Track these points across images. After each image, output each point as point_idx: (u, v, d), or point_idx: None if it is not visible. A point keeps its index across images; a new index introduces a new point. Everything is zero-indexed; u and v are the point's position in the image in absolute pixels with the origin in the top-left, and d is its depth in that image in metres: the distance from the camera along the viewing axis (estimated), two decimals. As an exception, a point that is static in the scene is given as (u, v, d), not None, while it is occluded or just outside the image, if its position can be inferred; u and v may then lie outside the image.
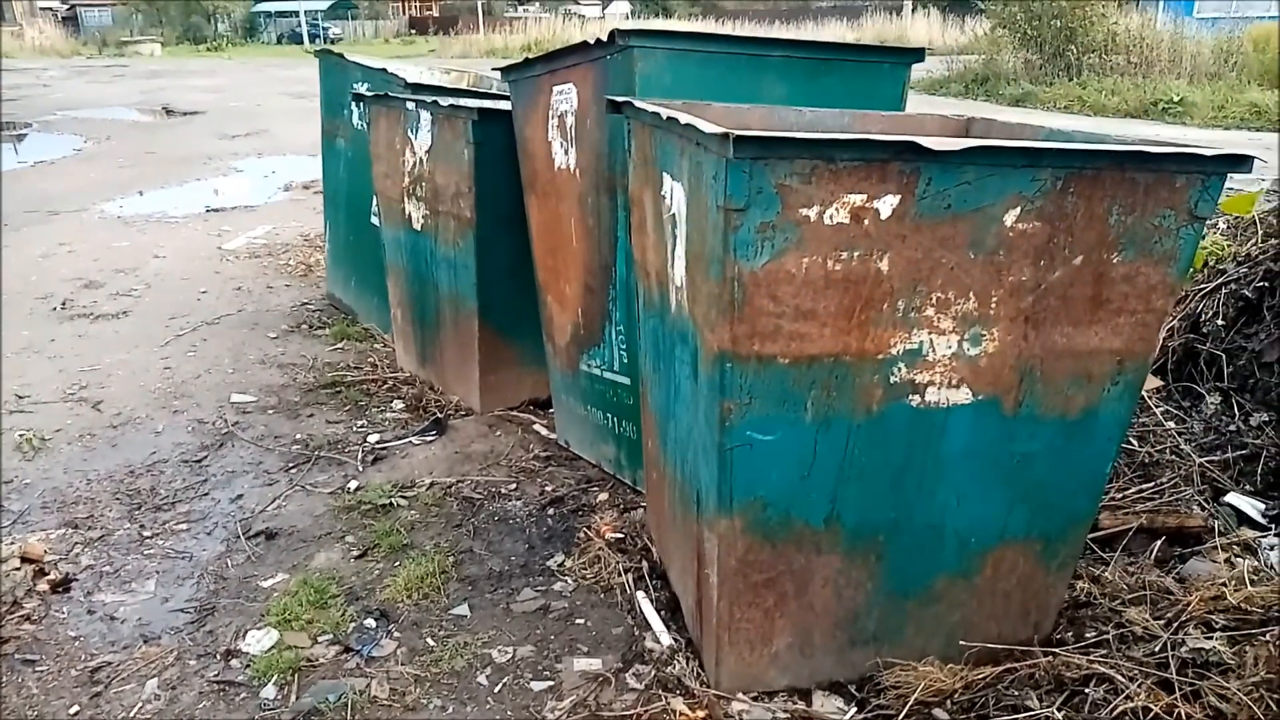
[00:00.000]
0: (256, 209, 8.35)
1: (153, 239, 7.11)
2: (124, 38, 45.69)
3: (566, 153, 3.22)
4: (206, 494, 3.34)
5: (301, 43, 48.25)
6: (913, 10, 32.07)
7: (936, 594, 2.25)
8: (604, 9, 70.51)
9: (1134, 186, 1.93)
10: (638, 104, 2.42)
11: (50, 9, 57.98)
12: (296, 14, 52.73)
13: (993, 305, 1.99)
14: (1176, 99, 14.95)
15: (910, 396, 2.04)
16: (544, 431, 3.82)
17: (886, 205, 1.86)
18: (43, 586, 2.77)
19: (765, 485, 2.05)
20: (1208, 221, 2.28)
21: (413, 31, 61.07)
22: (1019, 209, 1.91)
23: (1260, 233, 4.28)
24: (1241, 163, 1.95)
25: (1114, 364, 2.09)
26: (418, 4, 73.11)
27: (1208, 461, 3.38)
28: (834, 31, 33.36)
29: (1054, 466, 2.17)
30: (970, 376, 2.05)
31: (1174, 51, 17.08)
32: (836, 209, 1.84)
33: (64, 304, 5.48)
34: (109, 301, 5.54)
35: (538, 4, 69.43)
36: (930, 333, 1.99)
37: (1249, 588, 2.39)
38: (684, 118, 1.98)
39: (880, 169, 1.83)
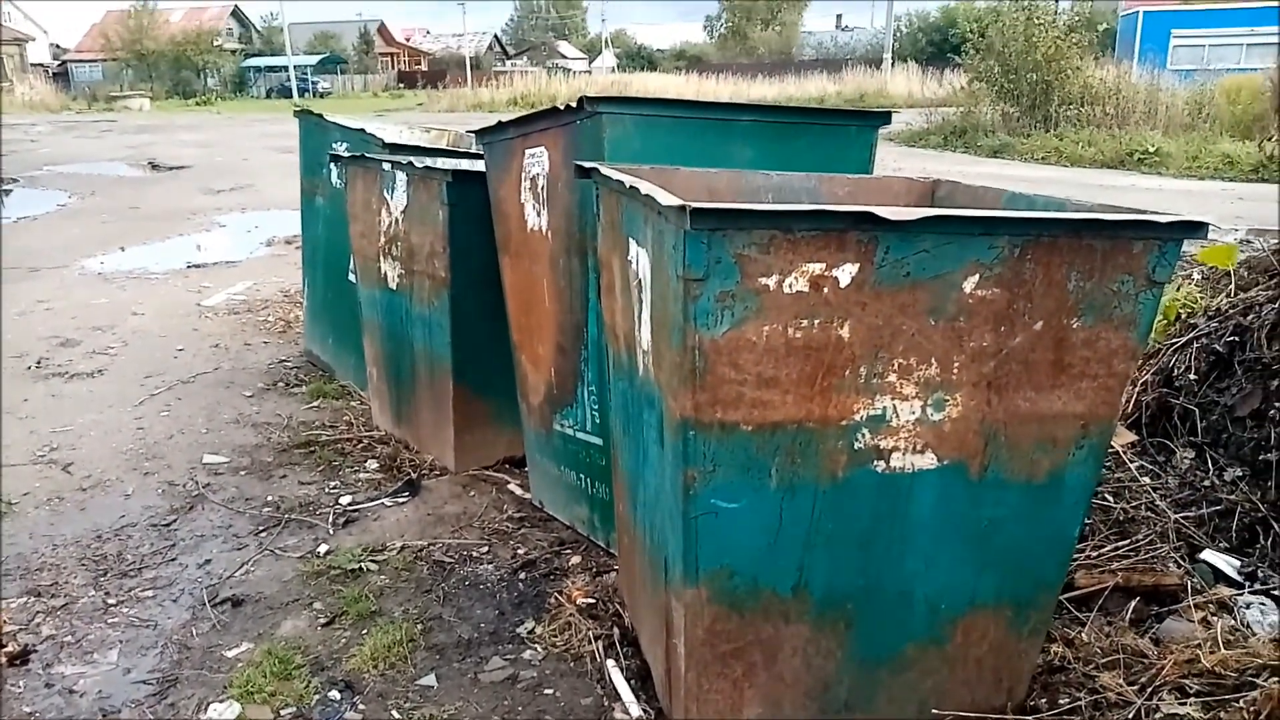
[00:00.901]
0: (238, 264, 8.36)
1: (132, 296, 7.10)
2: (114, 92, 46.14)
3: (539, 214, 3.24)
4: (174, 559, 3.29)
5: (291, 97, 48.75)
6: (892, 64, 32.66)
7: (908, 662, 2.22)
8: (590, 63, 71.68)
9: (1091, 253, 1.94)
10: (604, 170, 2.44)
11: (42, 65, 58.55)
12: (286, 69, 53.36)
13: (955, 370, 1.99)
14: (1152, 150, 15.22)
15: (875, 462, 2.03)
16: (518, 491, 3.79)
17: (845, 274, 1.87)
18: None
19: (731, 553, 2.03)
20: (1182, 273, 2.30)
21: (401, 85, 61.85)
22: (978, 276, 1.92)
23: (1233, 285, 4.32)
24: (1197, 229, 1.96)
25: (1078, 428, 2.08)
26: (406, 58, 74.13)
27: (1183, 518, 3.37)
28: (817, 85, 33.96)
29: (1022, 531, 2.16)
30: (935, 441, 2.04)
31: (1149, 103, 17.42)
32: (796, 278, 1.85)
33: (39, 363, 5.45)
34: (85, 360, 5.51)
35: (525, 58, 70.52)
36: (893, 398, 1.99)
37: (1223, 650, 2.36)
38: (644, 187, 1.99)
39: (838, 238, 1.84)
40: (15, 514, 3.60)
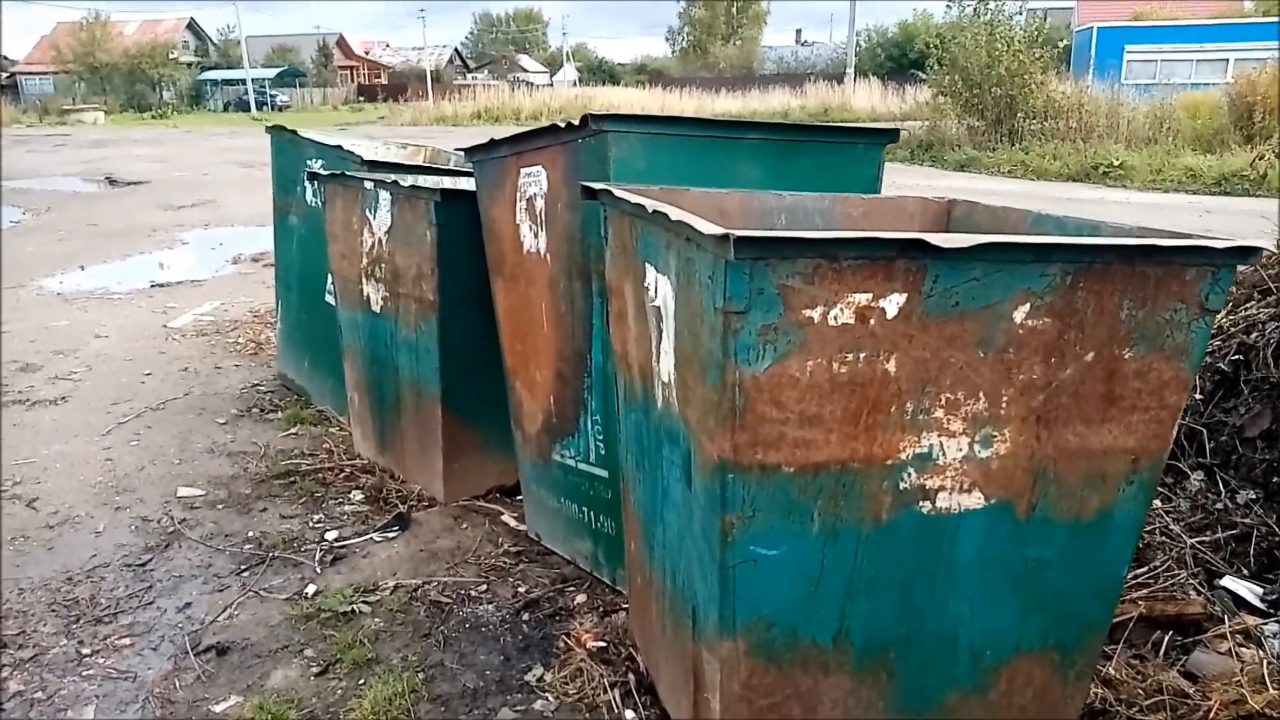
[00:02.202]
0: (204, 283, 8.11)
1: (94, 317, 6.84)
2: (66, 105, 45.21)
3: (536, 236, 3.10)
4: (151, 603, 3.09)
5: (249, 110, 48.15)
6: (854, 79, 32.93)
7: (950, 711, 2.10)
8: (552, 77, 71.64)
9: (1144, 280, 1.85)
10: (617, 192, 2.31)
11: (-11, 77, 57.29)
12: (243, 82, 52.68)
13: (1003, 405, 1.89)
14: (1116, 163, 15.41)
15: (920, 503, 1.92)
16: (512, 523, 3.63)
17: (893, 304, 1.75)
18: (-35, 720, 2.51)
19: (770, 603, 1.90)
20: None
21: (361, 99, 61.37)
22: (1028, 305, 1.82)
23: (1230, 303, 4.28)
24: (1252, 254, 1.88)
25: (1128, 463, 1.99)
26: (366, 71, 73.59)
27: (1199, 542, 3.30)
28: (779, 99, 34.12)
29: (1069, 572, 2.06)
30: (982, 480, 1.93)
31: (1111, 117, 17.66)
32: (841, 309, 1.73)
33: (-3, 390, 5.20)
34: (46, 386, 5.26)
35: (486, 72, 70.32)
36: (940, 435, 1.87)
37: (1270, 690, 2.28)
38: (674, 213, 1.87)
39: (886, 267, 1.73)
40: (-24, 556, 3.38)
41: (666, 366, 2.14)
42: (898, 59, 47.77)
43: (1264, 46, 24.34)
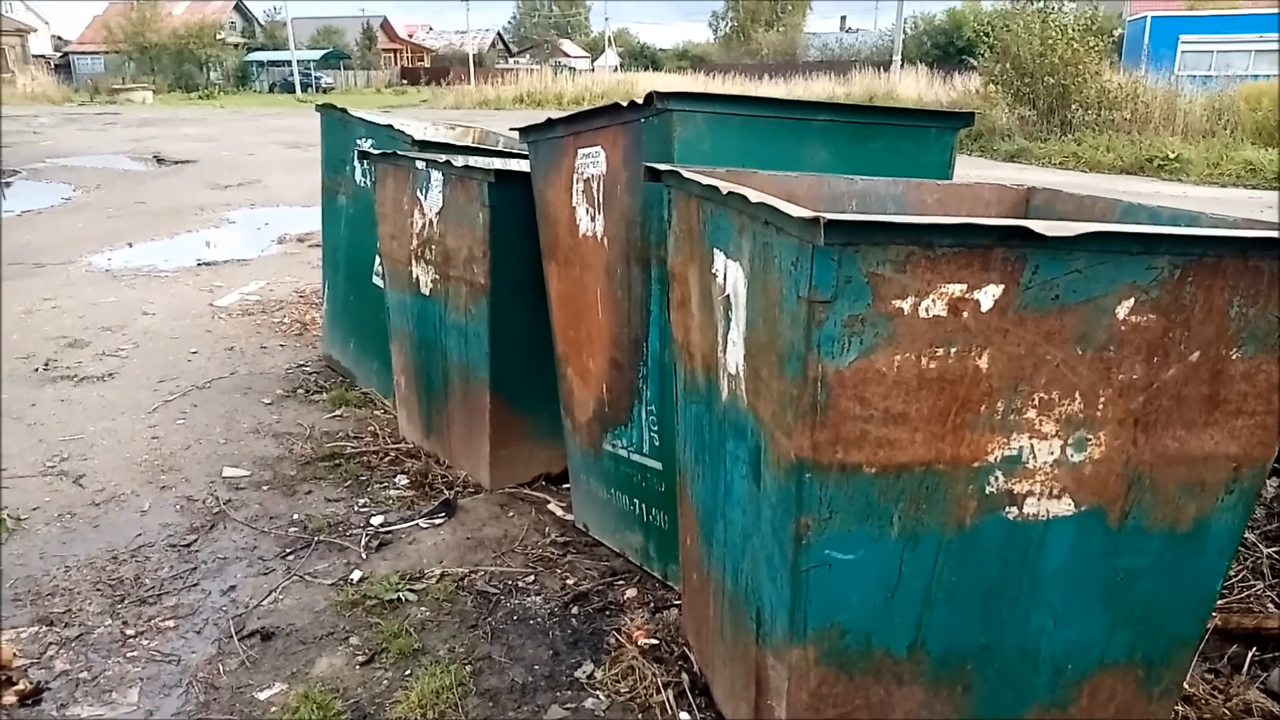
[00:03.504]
0: (249, 263, 8.11)
1: (142, 294, 6.86)
2: (116, 85, 45.82)
3: (593, 219, 3.01)
4: (196, 584, 3.05)
5: (294, 91, 48.49)
6: (901, 66, 32.40)
7: (1029, 727, 1.99)
8: (593, 62, 71.41)
9: (1258, 275, 1.71)
10: (685, 174, 2.21)
11: (43, 56, 58.22)
12: (289, 63, 53.05)
13: (1100, 406, 1.76)
14: (1172, 155, 15.00)
15: (1007, 508, 1.80)
16: (559, 512, 3.56)
17: (988, 296, 1.64)
18: (9, 699, 2.48)
19: (844, 610, 1.80)
20: None
21: (404, 81, 61.59)
22: (1133, 300, 1.69)
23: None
24: (1376, 250, 1.73)
25: (1229, 471, 1.86)
26: (409, 54, 73.85)
27: (1276, 552, 3.15)
28: (823, 86, 33.68)
29: (1160, 584, 1.93)
30: (1073, 485, 1.82)
31: (1167, 109, 17.20)
32: (933, 300, 1.62)
33: (46, 365, 5.21)
34: (94, 363, 5.27)
35: (528, 55, 70.26)
36: (1031, 437, 1.76)
37: (1370, 716, 2.14)
38: (753, 195, 1.76)
39: (983, 256, 1.61)
40: (25, 531, 3.37)
41: (734, 357, 2.04)
42: (944, 47, 47.02)
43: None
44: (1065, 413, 1.76)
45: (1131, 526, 1.87)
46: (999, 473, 1.77)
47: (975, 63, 20.04)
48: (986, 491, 1.78)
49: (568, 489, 3.57)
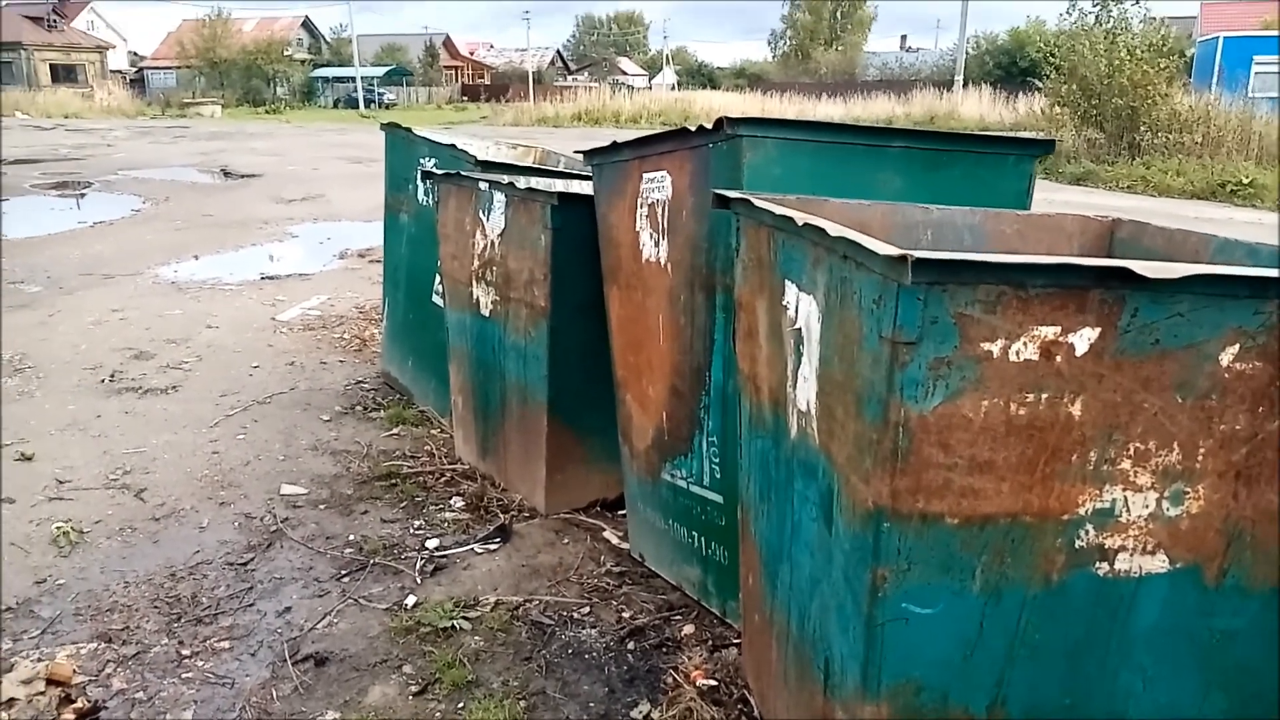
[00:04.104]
0: (311, 277, 8.22)
1: (206, 307, 6.97)
2: (186, 99, 47.19)
3: (657, 244, 2.95)
4: (252, 604, 3.05)
5: (357, 107, 49.45)
6: (963, 86, 32.03)
7: (1115, 796, 1.88)
8: (651, 80, 71.81)
9: (1376, 321, 1.60)
10: (757, 202, 2.14)
11: (120, 71, 60.19)
12: (353, 79, 54.15)
13: (1199, 457, 1.66)
14: (1245, 181, 14.55)
15: (1097, 564, 1.70)
16: (615, 540, 3.50)
17: (1084, 339, 1.55)
18: (69, 717, 2.48)
19: (920, 665, 1.71)
20: None
21: (465, 98, 62.53)
22: (1238, 346, 1.59)
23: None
24: None
25: (1339, 528, 1.74)
26: (470, 71, 74.96)
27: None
28: (883, 106, 33.44)
29: (1259, 646, 1.81)
30: (1168, 541, 1.71)
31: (1240, 132, 16.71)
32: (1025, 343, 1.53)
33: (113, 376, 5.30)
34: (158, 375, 5.35)
35: (587, 73, 70.87)
36: (1125, 489, 1.66)
37: None
38: (833, 228, 1.69)
39: (1079, 297, 1.52)
40: (87, 544, 3.40)
41: (805, 394, 1.97)
42: (1007, 67, 46.40)
43: None
44: (1162, 464, 1.65)
45: (1230, 585, 1.76)
46: (1090, 526, 1.67)
47: (1040, 84, 19.67)
48: (1076, 545, 1.68)
49: (623, 515, 3.51)
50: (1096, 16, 18.41)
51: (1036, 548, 1.67)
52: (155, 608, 3.01)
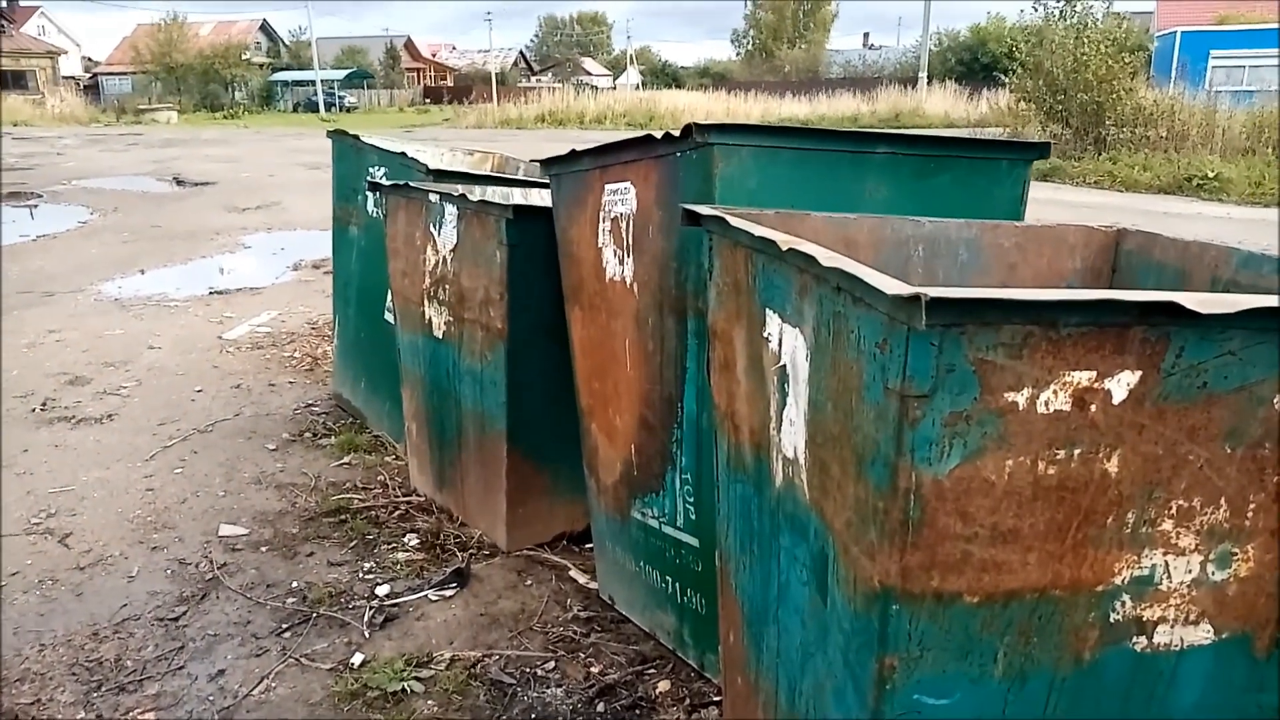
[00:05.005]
0: (262, 291, 7.87)
1: (149, 325, 6.62)
2: (142, 105, 46.25)
3: (621, 262, 2.70)
4: (182, 667, 2.75)
5: (317, 111, 48.78)
6: (928, 83, 32.06)
7: None
8: (615, 80, 71.53)
9: None
10: (733, 221, 1.89)
11: (73, 77, 58.93)
12: (313, 83, 53.40)
13: (1249, 514, 1.43)
14: (1211, 175, 14.54)
15: (1134, 638, 1.47)
16: (582, 580, 3.24)
17: (1122, 385, 1.31)
18: (-38, 814, 2.19)
19: (935, 764, 1.47)
20: None
21: (427, 100, 61.88)
22: (1295, 386, 1.36)
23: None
24: None
25: (1403, 589, 1.52)
26: (432, 73, 74.29)
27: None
28: (848, 104, 33.41)
29: (1314, 721, 1.59)
30: (1213, 609, 1.48)
31: (1204, 126, 16.74)
32: (1054, 391, 1.29)
33: (44, 404, 4.96)
34: (94, 402, 5.01)
35: (550, 74, 70.46)
36: (1165, 553, 1.43)
37: None
38: (826, 256, 1.45)
39: (1118, 337, 1.28)
40: (1, 600, 3.09)
41: (792, 440, 1.72)
42: (969, 63, 46.63)
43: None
44: (1208, 522, 1.43)
45: (1282, 655, 1.54)
46: (1126, 596, 1.44)
47: (1005, 79, 19.62)
48: (1111, 620, 1.45)
49: (591, 548, 3.26)
50: (1061, 11, 18.41)
51: (1067, 624, 1.43)
52: (73, 674, 2.71)
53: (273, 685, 2.66)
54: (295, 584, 3.19)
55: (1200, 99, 18.18)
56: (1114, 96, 16.80)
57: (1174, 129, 16.79)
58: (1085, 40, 16.87)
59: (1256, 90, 21.59)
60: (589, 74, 73.36)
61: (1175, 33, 29.42)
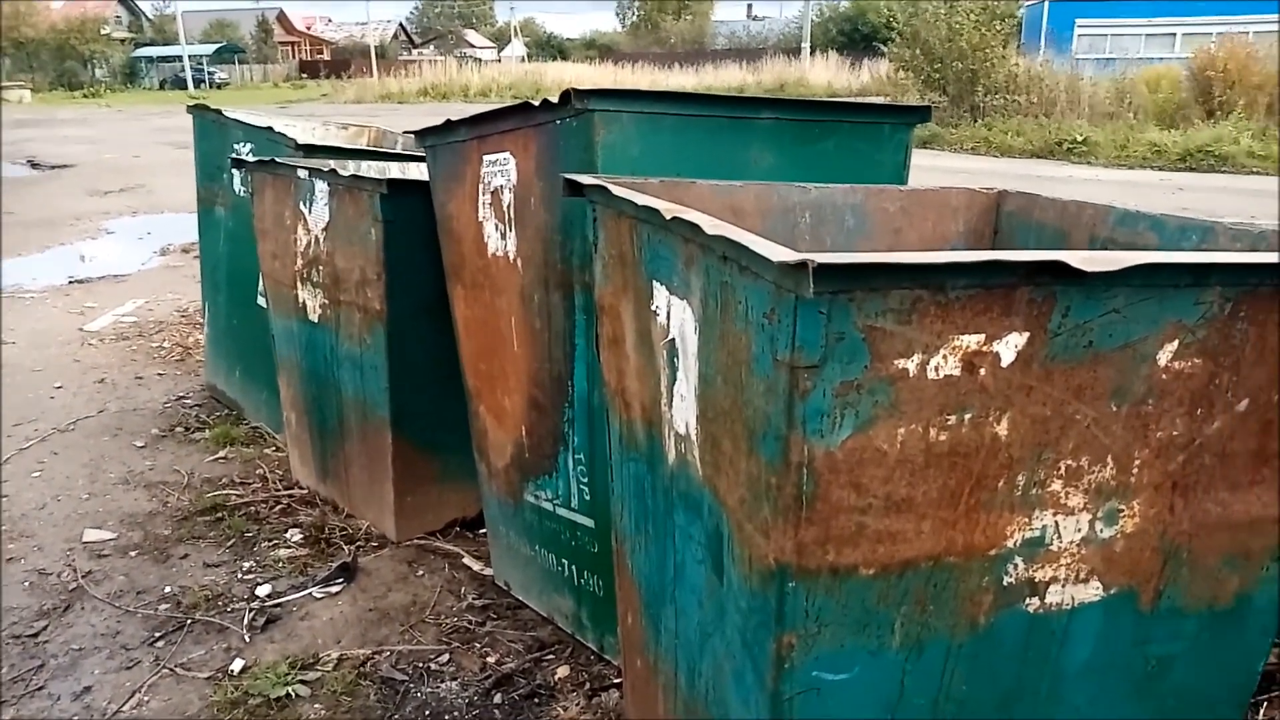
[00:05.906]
0: (127, 278, 7.42)
1: (2, 321, 6.16)
2: (-11, 84, 43.15)
3: (503, 237, 2.59)
4: (42, 687, 2.55)
5: (186, 88, 46.44)
6: (811, 53, 32.51)
7: None
8: (499, 52, 70.31)
9: (1319, 305, 1.41)
10: (615, 191, 1.81)
11: (-92, 54, 54.60)
12: (180, 59, 50.83)
13: (1134, 470, 1.44)
14: (1080, 139, 15.17)
15: (1027, 600, 1.47)
16: (476, 566, 3.14)
17: (1010, 347, 1.29)
18: None
19: (836, 739, 1.44)
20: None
21: (303, 75, 59.65)
22: (1176, 342, 1.37)
23: None
24: None
25: (1276, 535, 1.56)
26: (308, 47, 71.64)
27: None
28: (734, 75, 33.63)
29: (1196, 669, 1.63)
30: (1102, 566, 1.49)
31: (1071, 92, 17.43)
32: (945, 356, 1.26)
33: (-119, 409, 4.56)
34: (-61, 404, 4.63)
35: (432, 47, 68.81)
36: (1055, 513, 1.42)
37: None
38: (710, 224, 1.38)
39: (1005, 298, 1.26)
40: None
41: (684, 416, 1.66)
42: (849, 34, 47.49)
43: (1211, 21, 24.46)
44: (1095, 481, 1.43)
45: (1166, 608, 1.56)
46: (1018, 559, 1.43)
47: (885, 49, 20.04)
48: (1004, 583, 1.44)
49: (485, 535, 3.16)
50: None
51: (961, 590, 1.42)
52: (-84, 703, 2.48)
53: (145, 699, 2.48)
54: (168, 589, 3.00)
55: (1065, 67, 18.89)
56: (987, 65, 17.34)
57: (1044, 95, 17.44)
58: (958, 9, 17.32)
59: (1117, 59, 22.59)
60: (472, 46, 71.85)
61: (1043, 2, 30.52)
